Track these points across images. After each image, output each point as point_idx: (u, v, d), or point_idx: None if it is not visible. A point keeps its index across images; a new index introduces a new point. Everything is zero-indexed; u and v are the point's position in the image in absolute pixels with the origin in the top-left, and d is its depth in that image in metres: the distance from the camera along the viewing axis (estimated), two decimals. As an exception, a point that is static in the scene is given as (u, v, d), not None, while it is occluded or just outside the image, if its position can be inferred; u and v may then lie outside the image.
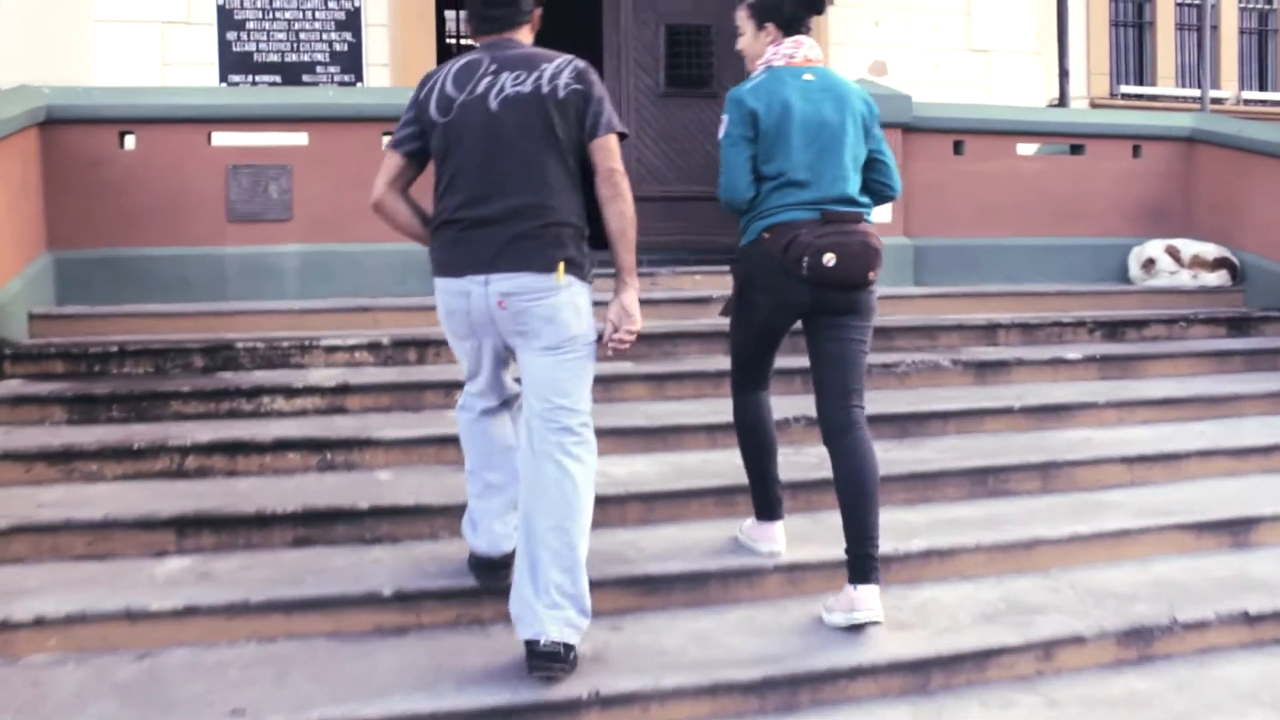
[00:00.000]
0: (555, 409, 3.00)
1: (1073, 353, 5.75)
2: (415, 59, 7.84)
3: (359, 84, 7.86)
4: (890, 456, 4.47)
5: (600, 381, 4.93)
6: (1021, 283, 7.19)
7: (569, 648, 2.96)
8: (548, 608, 2.92)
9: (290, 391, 4.74)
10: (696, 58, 8.54)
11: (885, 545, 3.57)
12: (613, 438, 4.45)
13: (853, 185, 3.31)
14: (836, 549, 3.53)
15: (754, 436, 3.55)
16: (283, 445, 4.26)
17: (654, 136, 8.47)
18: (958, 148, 7.21)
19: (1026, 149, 7.66)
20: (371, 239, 6.19)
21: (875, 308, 3.35)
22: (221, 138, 6.21)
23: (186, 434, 4.34)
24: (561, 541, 2.93)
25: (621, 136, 3.07)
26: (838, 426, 3.31)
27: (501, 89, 2.99)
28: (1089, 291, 6.90)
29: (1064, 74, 10.28)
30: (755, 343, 3.48)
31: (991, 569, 3.80)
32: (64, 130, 5.94)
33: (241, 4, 7.74)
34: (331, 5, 7.84)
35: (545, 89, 3.00)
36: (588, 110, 3.03)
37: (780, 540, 3.62)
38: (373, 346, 5.27)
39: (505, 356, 3.19)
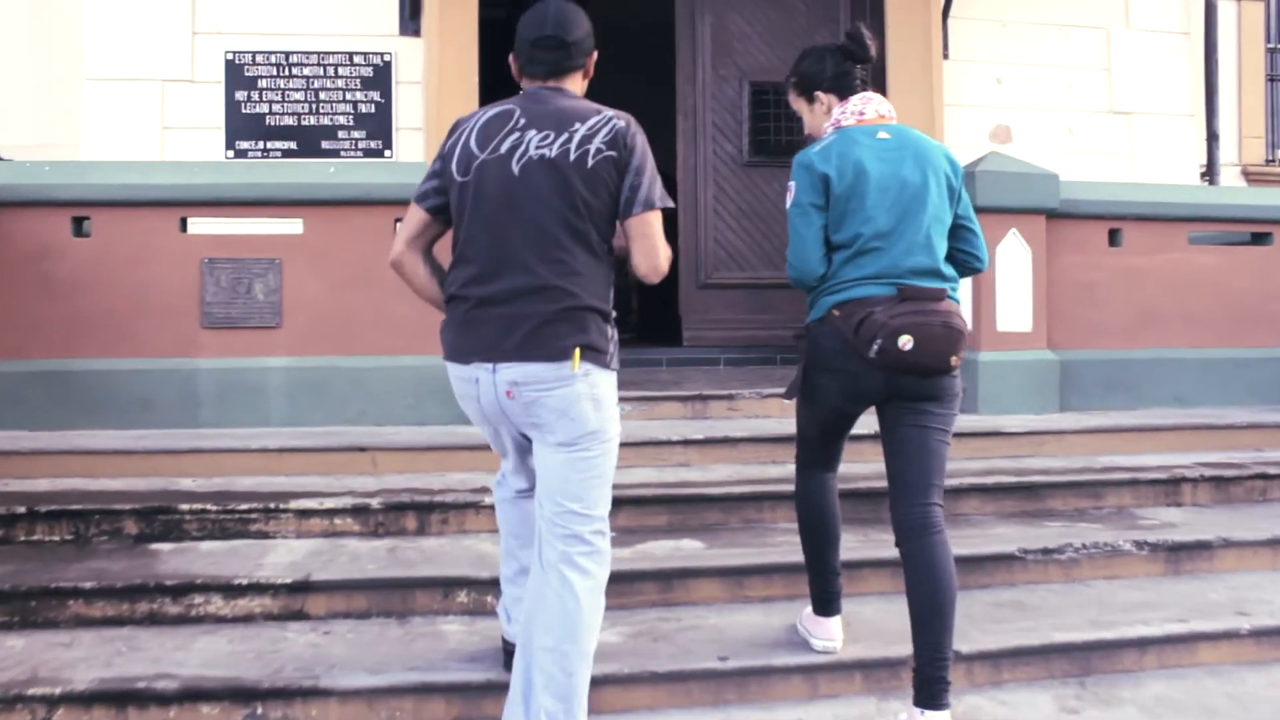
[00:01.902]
0: (565, 513, 2.64)
1: (1295, 527, 4.26)
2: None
3: (387, 151, 6.68)
4: (1077, 727, 3.06)
5: (660, 578, 3.64)
6: (1195, 406, 5.74)
7: None
8: None
9: (232, 590, 3.46)
10: (786, 120, 7.23)
11: None
12: (671, 685, 3.10)
13: (935, 254, 2.94)
14: None
15: (816, 521, 3.21)
16: (194, 695, 2.95)
17: (734, 213, 7.16)
18: (1114, 237, 5.78)
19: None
20: (379, 350, 5.00)
21: (960, 393, 2.98)
22: (197, 224, 5.04)
23: (68, 666, 3.08)
24: (558, 666, 2.57)
25: (664, 210, 2.70)
26: (914, 526, 2.90)
27: (525, 150, 2.63)
28: (1289, 424, 5.39)
29: (1213, 138, 8.76)
30: (822, 428, 3.13)
31: None
32: (6, 214, 4.82)
33: (254, 59, 6.61)
34: (358, 60, 6.68)
35: (573, 155, 2.62)
36: (623, 181, 2.65)
37: (837, 635, 3.26)
38: (359, 511, 3.99)
39: (527, 445, 2.82)
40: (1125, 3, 7.80)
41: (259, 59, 6.63)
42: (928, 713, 2.79)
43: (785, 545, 3.87)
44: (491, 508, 3.81)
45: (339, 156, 6.64)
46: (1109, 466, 4.74)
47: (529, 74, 2.75)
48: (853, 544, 3.79)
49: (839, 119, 3.03)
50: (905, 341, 2.80)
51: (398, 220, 5.02)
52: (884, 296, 2.86)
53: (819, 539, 3.20)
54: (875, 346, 2.81)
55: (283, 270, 4.96)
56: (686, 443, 4.67)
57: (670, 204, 2.67)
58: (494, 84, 8.79)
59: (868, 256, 2.89)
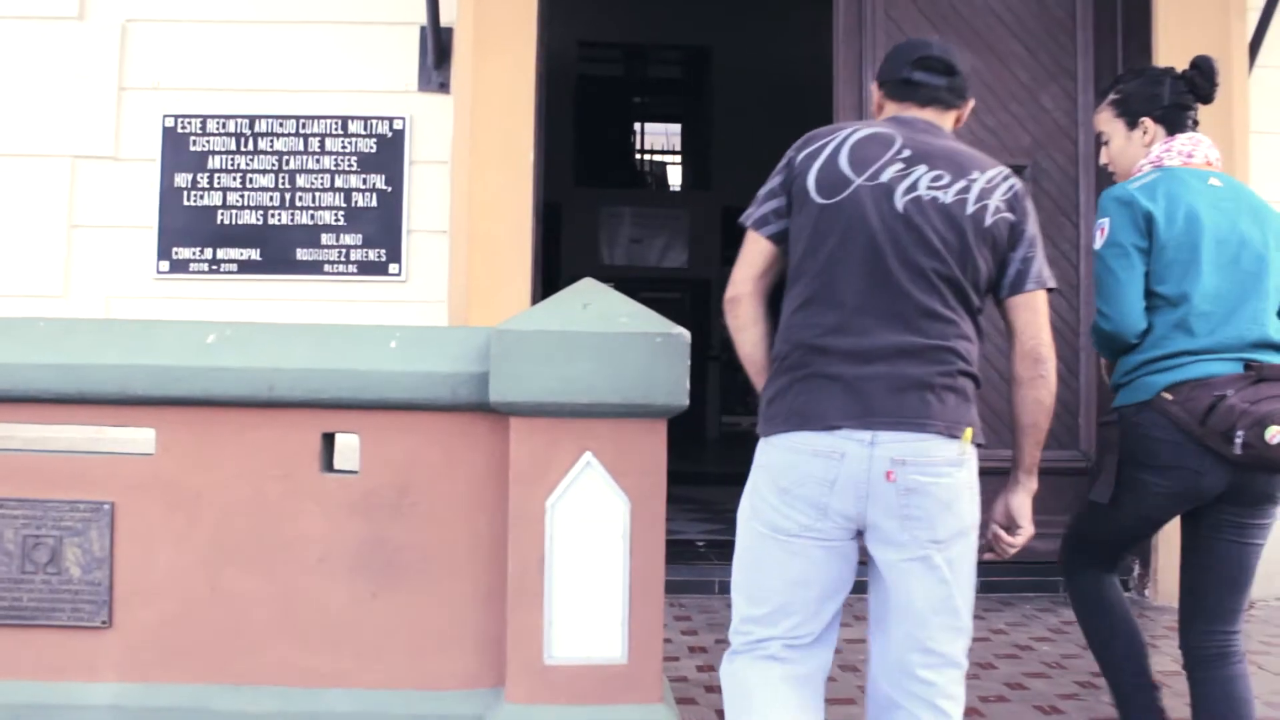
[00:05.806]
0: (925, 651, 2.10)
1: None
2: (497, 224, 4.36)
3: (393, 265, 4.43)
4: None
5: None
6: None
7: None
8: None
9: None
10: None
11: None
12: None
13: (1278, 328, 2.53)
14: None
15: (1103, 620, 2.64)
16: None
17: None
18: None
19: None
20: (290, 678, 2.74)
21: None
22: (-30, 435, 2.82)
23: None
24: None
25: (1050, 292, 2.32)
26: (1211, 655, 2.53)
27: (914, 186, 2.21)
28: None
29: None
30: (1129, 534, 2.63)
31: None
32: None
33: (203, 125, 4.45)
34: (355, 127, 4.46)
35: (971, 207, 2.19)
36: (1014, 251, 2.23)
37: None
38: None
39: (848, 572, 2.19)
40: None
41: (211, 126, 4.47)
42: None
43: None
44: None
45: (322, 272, 4.43)
46: None
47: (900, 98, 2.32)
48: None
49: (1161, 157, 2.59)
50: (1275, 433, 2.31)
51: (325, 434, 2.73)
52: (1231, 376, 2.41)
53: (1114, 639, 2.61)
54: (1238, 441, 2.34)
55: (115, 523, 2.68)
56: None
57: (1056, 284, 2.26)
58: (576, 164, 6.55)
59: (1202, 322, 2.46)
